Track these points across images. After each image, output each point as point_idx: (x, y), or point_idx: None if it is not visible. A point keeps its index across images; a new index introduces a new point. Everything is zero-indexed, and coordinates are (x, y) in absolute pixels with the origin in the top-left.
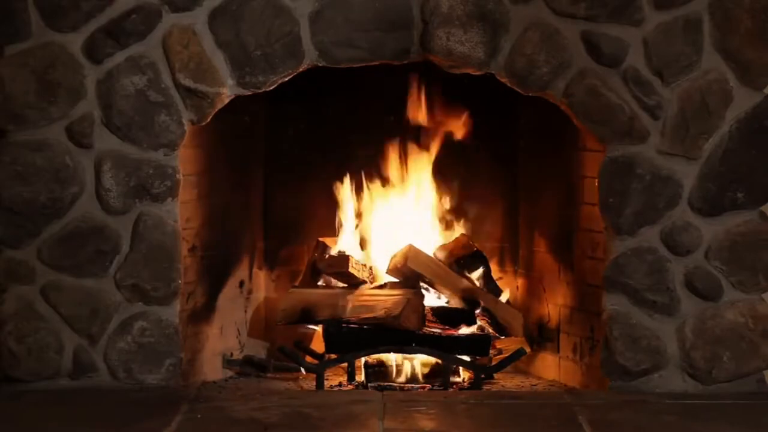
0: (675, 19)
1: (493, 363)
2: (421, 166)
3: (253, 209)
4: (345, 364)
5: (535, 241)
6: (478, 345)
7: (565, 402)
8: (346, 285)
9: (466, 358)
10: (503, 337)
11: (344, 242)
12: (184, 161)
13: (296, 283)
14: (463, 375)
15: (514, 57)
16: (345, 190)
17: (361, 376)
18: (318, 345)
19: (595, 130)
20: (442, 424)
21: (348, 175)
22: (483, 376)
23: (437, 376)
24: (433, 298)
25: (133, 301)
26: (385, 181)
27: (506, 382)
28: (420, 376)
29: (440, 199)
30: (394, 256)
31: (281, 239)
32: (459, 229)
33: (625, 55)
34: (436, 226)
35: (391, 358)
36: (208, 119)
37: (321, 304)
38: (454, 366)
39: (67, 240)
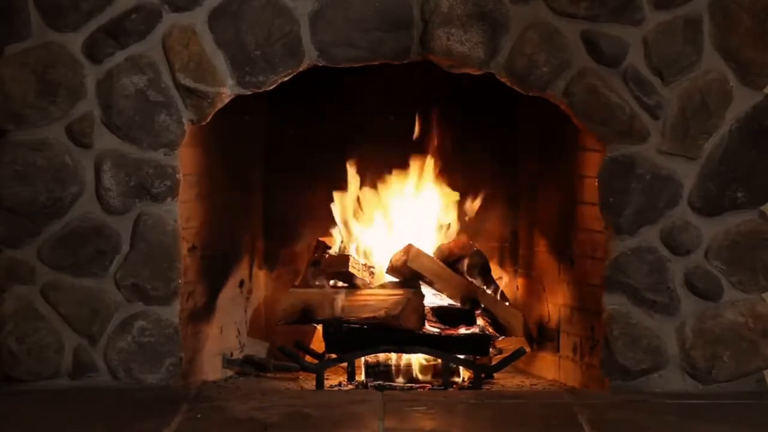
0: (675, 18)
1: (493, 363)
2: (421, 166)
3: (253, 209)
4: (345, 364)
5: (535, 241)
6: (478, 345)
7: (565, 402)
8: (346, 285)
9: (466, 357)
10: (503, 337)
11: (344, 242)
12: (184, 161)
13: (296, 283)
14: (463, 375)
15: (514, 57)
16: (344, 190)
17: (361, 376)
18: (318, 345)
19: (595, 129)
20: (442, 424)
21: (347, 175)
22: (483, 375)
23: (437, 375)
24: (433, 298)
25: (133, 301)
26: (384, 181)
27: (506, 382)
28: (420, 376)
29: (440, 199)
30: (394, 256)
31: (281, 239)
32: (459, 229)
33: (625, 55)
34: (436, 226)
35: (391, 358)
36: (208, 119)
37: (321, 304)
38: (454, 366)
39: (67, 240)
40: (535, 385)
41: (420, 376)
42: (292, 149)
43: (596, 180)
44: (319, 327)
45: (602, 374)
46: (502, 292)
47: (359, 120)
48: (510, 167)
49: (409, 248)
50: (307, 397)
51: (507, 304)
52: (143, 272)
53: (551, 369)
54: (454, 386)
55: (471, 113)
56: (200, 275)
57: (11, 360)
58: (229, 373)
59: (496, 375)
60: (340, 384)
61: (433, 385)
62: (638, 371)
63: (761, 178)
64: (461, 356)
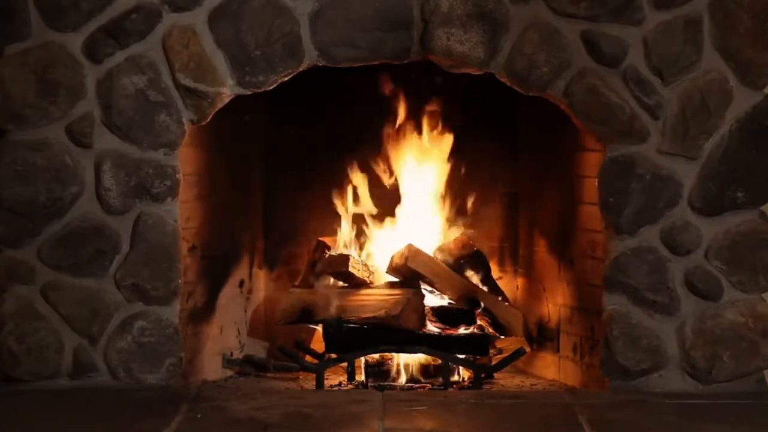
0: (675, 18)
1: (493, 363)
2: (421, 165)
3: (253, 209)
4: (345, 364)
5: (535, 241)
6: (477, 344)
7: (565, 402)
8: (346, 285)
9: (466, 357)
10: (503, 337)
11: (344, 242)
12: (184, 161)
13: (296, 283)
14: (463, 374)
15: (514, 57)
16: (344, 190)
17: (361, 376)
18: (318, 345)
19: (595, 129)
20: (442, 424)
21: (347, 175)
22: (483, 375)
23: (437, 375)
24: (433, 298)
25: (133, 301)
26: (384, 181)
27: (506, 381)
28: (420, 376)
29: (440, 198)
30: (394, 255)
31: (281, 239)
32: (459, 229)
33: (625, 55)
34: (436, 226)
35: (391, 358)
36: (208, 119)
37: (321, 303)
38: (454, 366)
39: (67, 240)
40: (535, 385)
41: (420, 376)
42: (292, 149)
43: (596, 180)
44: (319, 327)
45: (602, 374)
46: (502, 292)
47: (359, 119)
48: (510, 167)
49: (408, 248)
50: (307, 397)
51: (507, 303)
52: (143, 272)
53: (551, 369)
54: (454, 386)
55: (471, 113)
56: (200, 275)
57: (11, 360)
58: (229, 373)
59: (496, 375)
60: (340, 384)
61: (433, 385)
62: (638, 371)
63: (761, 178)
64: (461, 356)
